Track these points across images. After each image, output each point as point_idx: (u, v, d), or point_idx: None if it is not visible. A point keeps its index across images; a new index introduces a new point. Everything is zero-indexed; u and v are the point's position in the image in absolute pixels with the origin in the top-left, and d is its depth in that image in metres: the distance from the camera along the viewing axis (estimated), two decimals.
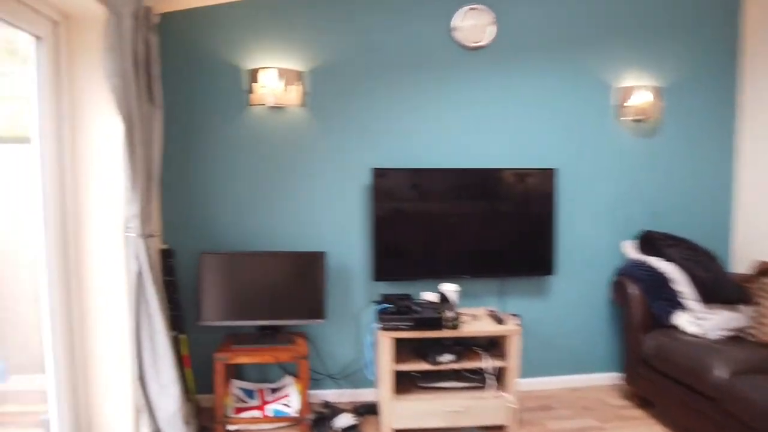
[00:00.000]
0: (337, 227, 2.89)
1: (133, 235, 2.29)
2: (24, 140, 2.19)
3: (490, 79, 2.95)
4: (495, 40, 2.92)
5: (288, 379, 2.83)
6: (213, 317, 2.66)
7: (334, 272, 2.90)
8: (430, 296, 2.78)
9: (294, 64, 2.80)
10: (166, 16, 2.70)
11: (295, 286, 2.68)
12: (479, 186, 2.88)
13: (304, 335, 2.83)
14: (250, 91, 2.75)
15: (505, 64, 2.95)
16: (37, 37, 2.10)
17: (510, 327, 2.63)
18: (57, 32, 2.19)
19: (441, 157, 2.94)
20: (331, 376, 2.94)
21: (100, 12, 2.13)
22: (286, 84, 2.73)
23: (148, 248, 2.33)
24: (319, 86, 2.83)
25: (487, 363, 2.61)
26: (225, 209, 2.84)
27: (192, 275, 2.82)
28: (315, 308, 2.69)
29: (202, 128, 2.78)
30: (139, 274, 2.32)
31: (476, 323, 2.67)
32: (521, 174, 2.90)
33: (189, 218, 2.82)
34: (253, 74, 2.73)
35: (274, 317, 2.67)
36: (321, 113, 2.84)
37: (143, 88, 2.25)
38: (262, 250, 2.84)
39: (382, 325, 2.53)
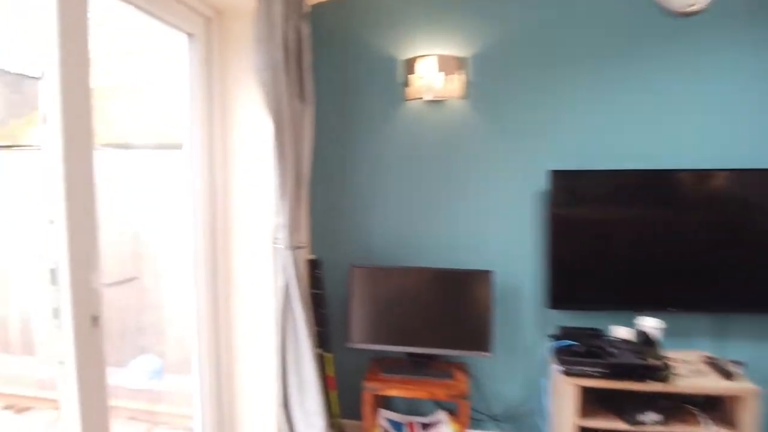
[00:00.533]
0: (505, 241, 2.43)
1: (281, 246, 2.08)
2: (177, 146, 2.10)
3: (707, 53, 2.25)
4: (717, 1, 2.22)
5: (441, 415, 2.44)
6: (361, 339, 2.37)
7: (499, 295, 2.44)
8: (623, 333, 2.19)
9: (455, 50, 2.40)
10: (316, 7, 2.47)
11: (456, 310, 2.28)
12: (691, 191, 2.21)
13: (462, 367, 2.42)
14: (406, 83, 2.41)
15: (729, 31, 2.23)
16: (190, 35, 1.97)
17: (745, 385, 1.95)
18: (209, 29, 2.04)
19: (638, 156, 2.32)
20: (492, 418, 2.49)
21: (251, 6, 1.94)
22: (446, 73, 2.34)
23: (295, 261, 2.10)
24: (485, 74, 2.40)
25: (709, 430, 1.96)
26: (377, 216, 2.54)
27: (339, 288, 2.58)
28: (480, 339, 2.26)
29: (353, 127, 2.52)
30: (286, 289, 2.11)
31: (695, 376, 2.02)
32: (757, 175, 2.17)
33: (338, 226, 2.57)
34: (410, 64, 2.39)
35: (431, 345, 2.30)
36: (486, 106, 2.40)
37: (294, 82, 2.02)
38: (419, 265, 2.49)
39: (564, 368, 2.02)
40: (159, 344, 3.80)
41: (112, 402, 3.37)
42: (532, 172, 2.38)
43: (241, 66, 2.06)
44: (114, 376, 3.54)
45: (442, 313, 2.29)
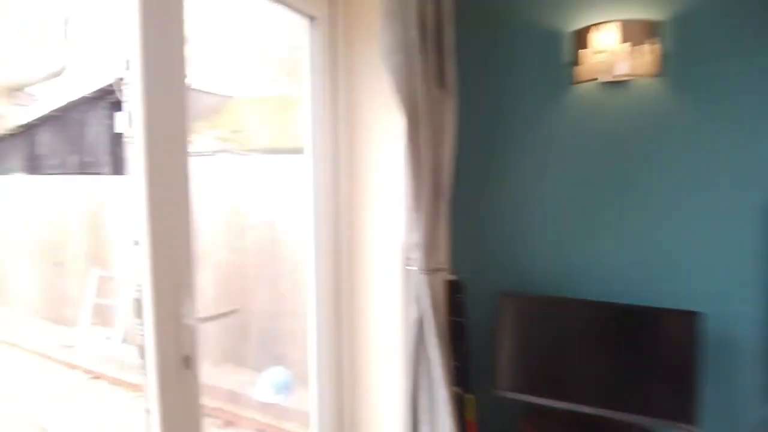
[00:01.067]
0: (717, 271, 1.76)
1: (414, 269, 1.71)
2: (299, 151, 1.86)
3: None
4: None
5: None
6: (511, 386, 1.90)
7: (709, 345, 1.78)
8: None
9: (645, 12, 1.80)
10: None
11: (644, 362, 1.70)
12: None
13: None
14: (576, 62, 1.87)
15: None
16: (311, 18, 1.69)
17: None
18: (334, 9, 1.74)
19: None
20: None
21: None
22: (633, 44, 1.76)
23: (432, 287, 1.71)
24: (689, 43, 1.76)
25: None
26: (536, 233, 2.03)
27: (484, 318, 2.12)
28: (679, 404, 1.64)
29: (504, 120, 2.04)
30: (420, 322, 1.73)
31: None
32: None
33: (485, 244, 2.12)
34: (581, 36, 1.85)
35: (606, 405, 1.74)
36: (691, 86, 1.77)
37: (432, 67, 1.62)
38: (592, 298, 1.93)
39: None
40: (294, 352, 3.71)
41: (242, 411, 3.31)
42: (762, 177, 1.69)
43: (371, 51, 1.72)
44: (244, 386, 3.51)
45: (625, 365, 1.72)
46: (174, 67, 1.13)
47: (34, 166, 7.43)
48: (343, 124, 1.79)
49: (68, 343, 4.50)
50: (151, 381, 1.13)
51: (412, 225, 1.66)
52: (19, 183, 5.89)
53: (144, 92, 1.05)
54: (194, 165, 1.19)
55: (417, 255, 1.69)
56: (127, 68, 1.08)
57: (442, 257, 1.81)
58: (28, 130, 7.54)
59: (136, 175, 1.08)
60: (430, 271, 1.70)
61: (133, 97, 1.07)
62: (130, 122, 1.09)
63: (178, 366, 1.16)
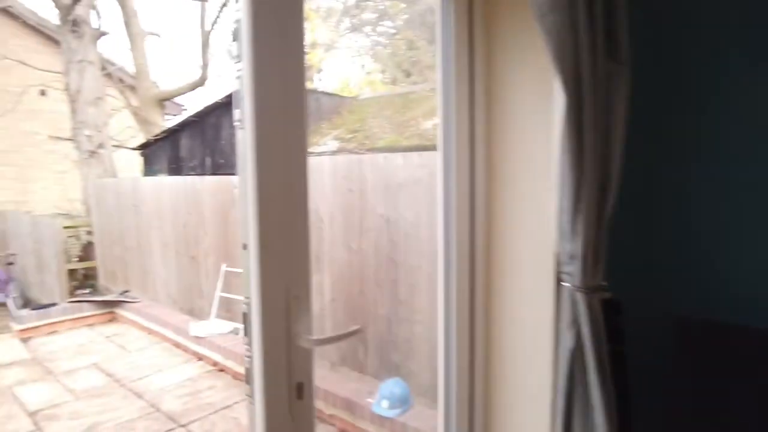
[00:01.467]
0: None
1: (570, 286, 1.37)
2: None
3: None
4: None
5: None
6: None
7: None
8: None
9: None
10: None
11: None
12: None
13: None
14: None
15: None
16: None
17: None
18: None
19: None
20: None
21: None
22: None
23: (592, 308, 1.37)
24: None
25: None
26: (732, 240, 1.58)
27: (646, 345, 1.71)
28: None
29: (689, 96, 1.62)
30: (576, 352, 1.39)
31: None
32: None
33: (654, 252, 1.71)
34: None
35: None
36: None
37: (600, 31, 1.27)
38: None
39: None
40: (411, 362, 3.50)
41: (358, 422, 3.15)
42: None
43: (516, 17, 1.42)
44: (361, 393, 3.36)
45: None
46: (289, 64, 0.94)
47: (174, 167, 8.11)
48: (480, 109, 1.51)
49: (197, 333, 4.73)
50: (258, 412, 0.94)
51: (569, 230, 1.33)
52: (163, 183, 6.42)
53: (253, 90, 0.88)
54: (314, 165, 0.99)
55: (573, 268, 1.35)
56: (238, 63, 0.91)
57: (602, 271, 1.44)
58: (170, 135, 8.26)
59: (245, 174, 0.90)
60: (591, 289, 1.36)
61: (243, 95, 0.90)
62: (241, 121, 0.92)
63: (290, 395, 0.97)
